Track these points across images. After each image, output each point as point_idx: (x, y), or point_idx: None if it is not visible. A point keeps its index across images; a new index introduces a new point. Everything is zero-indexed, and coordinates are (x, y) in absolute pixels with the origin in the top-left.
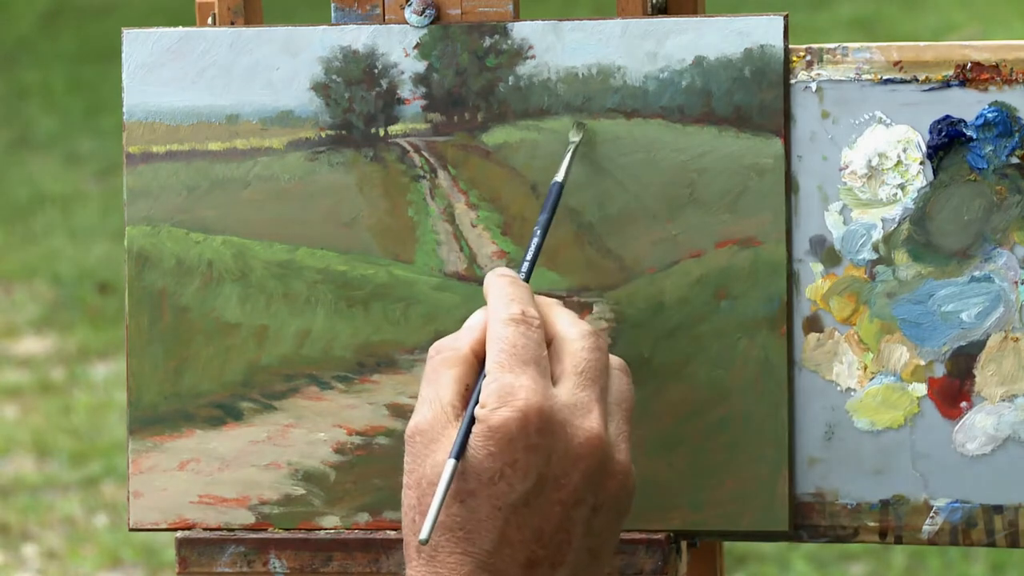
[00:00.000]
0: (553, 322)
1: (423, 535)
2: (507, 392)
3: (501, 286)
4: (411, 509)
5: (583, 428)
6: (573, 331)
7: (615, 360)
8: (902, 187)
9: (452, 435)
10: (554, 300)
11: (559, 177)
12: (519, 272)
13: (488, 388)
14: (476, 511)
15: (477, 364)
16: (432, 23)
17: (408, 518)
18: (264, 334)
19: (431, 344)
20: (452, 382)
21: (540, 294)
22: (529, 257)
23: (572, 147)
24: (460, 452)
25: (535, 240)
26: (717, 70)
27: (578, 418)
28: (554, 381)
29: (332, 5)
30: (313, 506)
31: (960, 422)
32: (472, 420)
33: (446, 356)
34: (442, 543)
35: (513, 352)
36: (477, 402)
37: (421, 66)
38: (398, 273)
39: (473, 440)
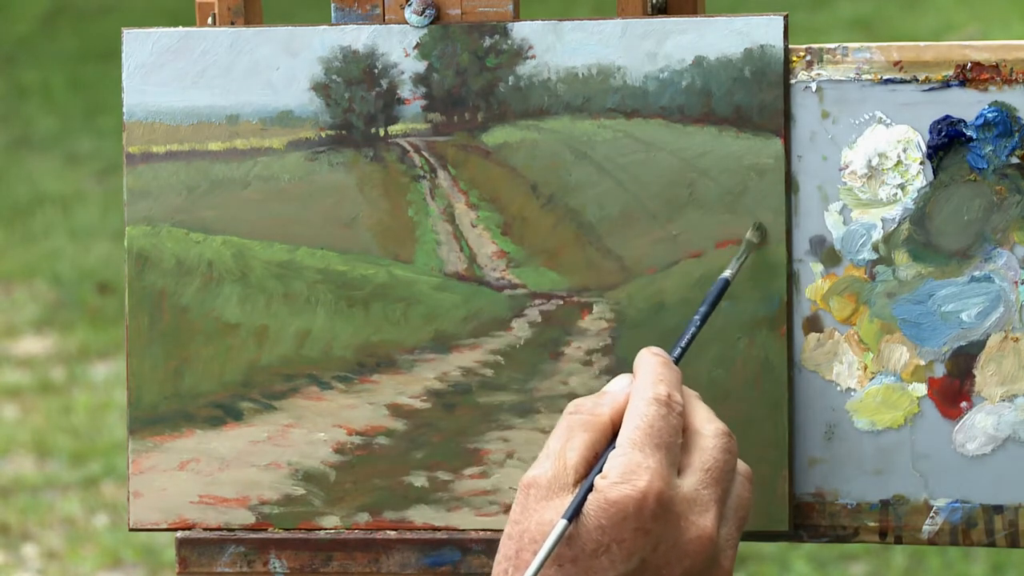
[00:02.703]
0: (691, 414)
1: None
2: (632, 470)
3: (653, 364)
4: (506, 560)
5: (697, 525)
6: (709, 428)
7: (742, 466)
8: (902, 187)
9: (567, 500)
10: (695, 393)
11: (727, 274)
12: (672, 354)
13: (615, 461)
14: None
15: (611, 433)
16: (432, 23)
17: (500, 567)
18: (264, 334)
19: (431, 344)
20: (582, 446)
21: (542, 295)
22: (683, 343)
23: (747, 246)
24: (574, 515)
25: (692, 329)
26: (717, 70)
27: (695, 514)
28: (680, 472)
29: (332, 5)
30: (313, 506)
31: (960, 422)
32: (591, 487)
33: (584, 419)
34: None
35: (649, 432)
36: (600, 470)
37: (421, 66)
38: (398, 273)
39: (587, 508)
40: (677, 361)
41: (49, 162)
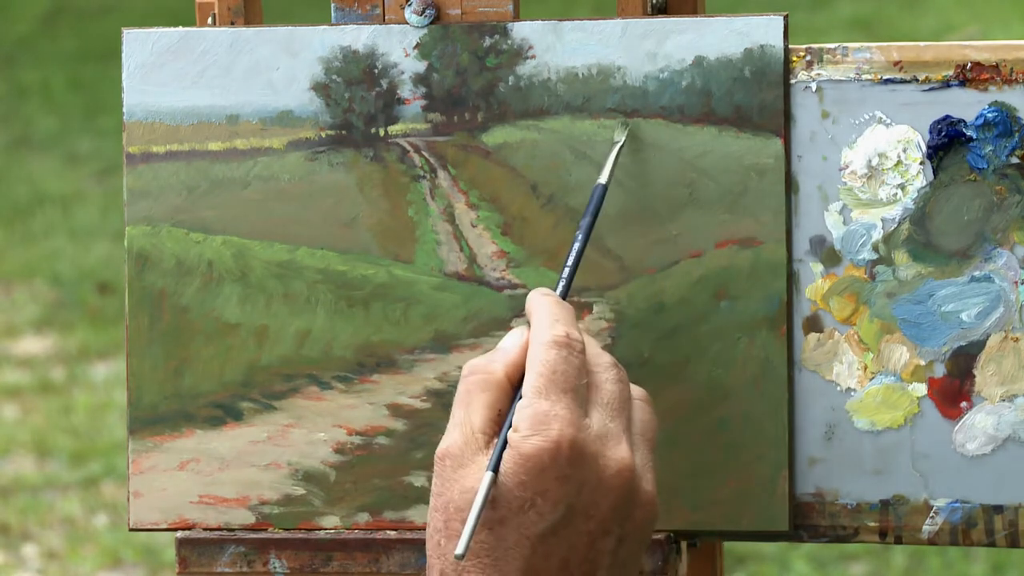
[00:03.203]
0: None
1: (460, 549)
2: (542, 420)
3: (545, 305)
4: (437, 532)
5: (614, 459)
6: (600, 362)
7: (636, 391)
8: (902, 187)
9: (482, 463)
10: (584, 327)
11: (603, 179)
12: (557, 284)
13: (523, 413)
14: (504, 539)
15: (511, 388)
16: (432, 23)
17: (433, 541)
18: (264, 334)
19: (431, 344)
20: (483, 407)
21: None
22: (570, 264)
23: (616, 147)
24: (495, 467)
25: (576, 246)
26: (717, 70)
27: (609, 449)
28: (585, 412)
29: (332, 5)
30: (313, 506)
31: (960, 422)
32: (506, 442)
33: (479, 379)
34: (468, 568)
35: (552, 378)
36: (511, 425)
37: (421, 66)
38: (398, 273)
39: (504, 466)
40: (567, 288)
41: (49, 162)
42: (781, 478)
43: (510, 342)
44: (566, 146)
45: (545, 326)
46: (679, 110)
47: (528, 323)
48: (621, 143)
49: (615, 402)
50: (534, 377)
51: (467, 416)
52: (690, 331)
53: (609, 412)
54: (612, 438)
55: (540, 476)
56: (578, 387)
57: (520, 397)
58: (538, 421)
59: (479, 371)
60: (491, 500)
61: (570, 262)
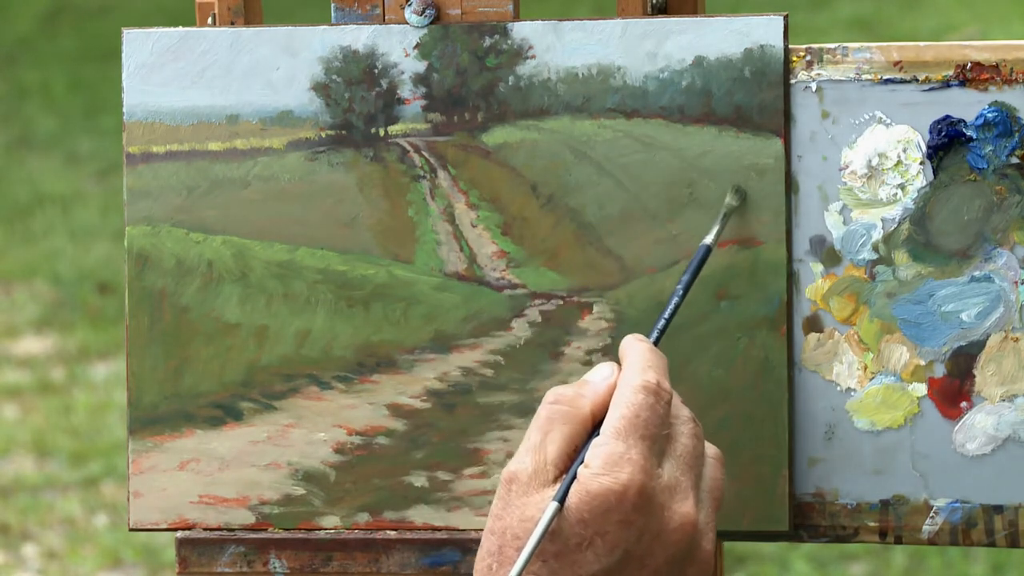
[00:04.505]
0: None
1: (513, 575)
2: (615, 461)
3: (640, 350)
4: (489, 555)
5: (679, 512)
6: (678, 415)
7: (711, 449)
8: (902, 187)
9: (547, 495)
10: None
11: (708, 240)
12: (655, 328)
13: (597, 451)
14: (556, 573)
15: (591, 425)
16: (432, 23)
17: (484, 563)
18: (264, 334)
19: (431, 344)
20: (561, 439)
21: (542, 295)
22: (667, 315)
23: (725, 210)
24: (562, 499)
25: (675, 300)
26: (717, 70)
27: (675, 502)
28: (658, 461)
29: (332, 5)
30: (313, 506)
31: (960, 422)
32: (575, 477)
33: (563, 410)
34: None
35: (634, 422)
36: (583, 461)
37: (421, 66)
38: (398, 273)
39: (569, 500)
40: (660, 336)
41: (49, 162)
42: (781, 478)
43: (599, 377)
44: (566, 146)
45: (637, 370)
46: (679, 110)
47: (619, 363)
48: (734, 207)
49: (689, 456)
50: (616, 418)
51: (543, 445)
52: (690, 331)
53: (681, 465)
54: (680, 491)
55: (603, 516)
56: (657, 436)
57: (597, 434)
58: (611, 461)
59: (564, 402)
60: (551, 533)
61: (667, 314)
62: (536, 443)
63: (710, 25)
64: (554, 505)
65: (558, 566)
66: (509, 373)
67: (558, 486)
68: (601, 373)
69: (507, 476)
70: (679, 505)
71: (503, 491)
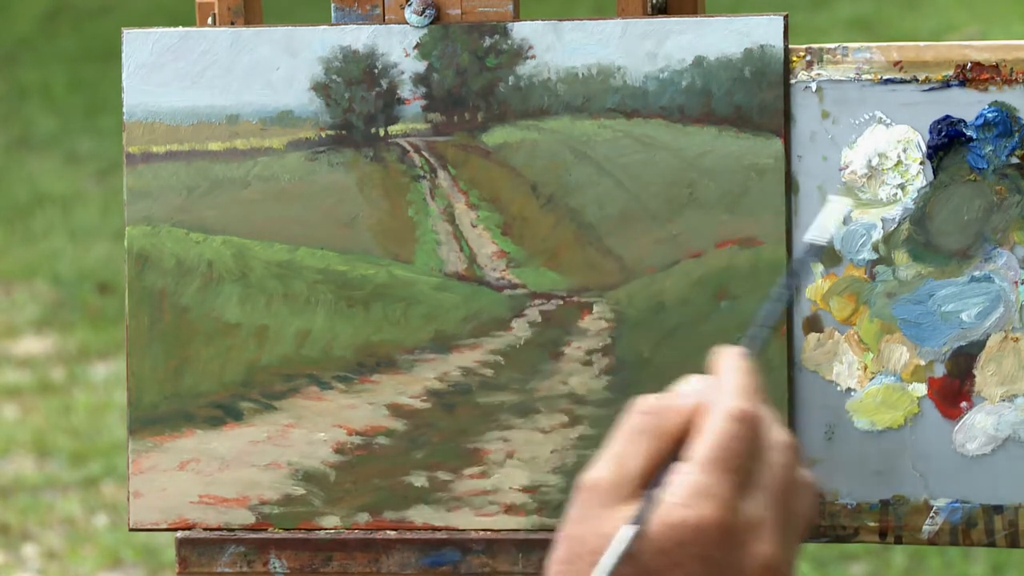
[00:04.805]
0: None
1: None
2: (699, 493)
3: (734, 372)
4: (559, 563)
5: (759, 555)
6: (774, 440)
7: (804, 473)
8: (902, 187)
9: (625, 512)
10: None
11: (820, 239)
12: (746, 341)
13: (682, 479)
14: None
15: (675, 443)
16: (432, 23)
17: (554, 568)
18: (264, 334)
19: (431, 344)
20: (646, 455)
21: (542, 295)
22: (762, 321)
23: (837, 209)
24: (640, 522)
25: (773, 304)
26: (717, 70)
27: (758, 542)
28: (746, 492)
29: (332, 5)
30: (313, 506)
31: (960, 422)
32: (654, 501)
33: (651, 423)
34: None
35: (725, 454)
36: (663, 482)
37: (421, 66)
38: (398, 273)
39: (648, 526)
40: (757, 348)
41: (49, 162)
42: None
43: (689, 392)
44: (566, 146)
45: (730, 393)
46: (679, 110)
47: (710, 376)
48: (850, 208)
49: (780, 487)
50: (705, 447)
51: (626, 458)
52: (690, 331)
53: (770, 498)
54: (764, 530)
55: (681, 548)
56: (744, 468)
57: (681, 455)
58: (695, 493)
59: (654, 414)
60: (626, 555)
61: (764, 320)
62: (620, 454)
63: (710, 25)
64: (632, 530)
65: None
66: (509, 373)
67: (637, 505)
68: (692, 387)
69: (587, 483)
70: (760, 546)
71: (580, 499)
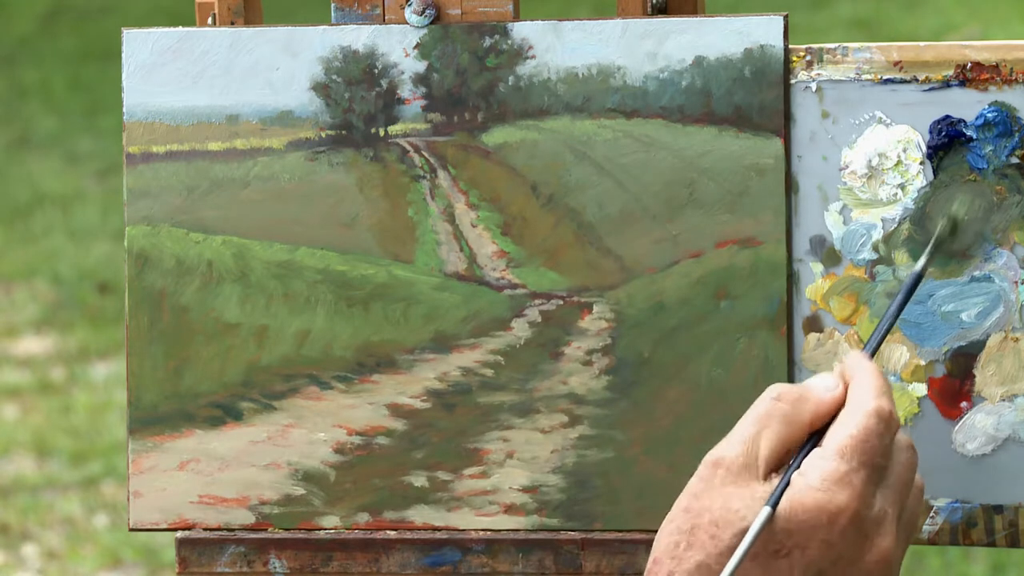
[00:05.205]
0: None
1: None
2: (835, 480)
3: (874, 373)
4: (679, 532)
5: (880, 547)
6: (899, 440)
7: (918, 479)
8: (902, 187)
9: (754, 490)
10: None
11: (918, 267)
12: (868, 347)
13: (819, 464)
14: (747, 573)
15: (806, 433)
16: (432, 23)
17: (671, 539)
18: (264, 334)
19: (431, 344)
20: (777, 440)
21: (542, 295)
22: (882, 331)
23: (940, 239)
24: (774, 504)
25: (885, 325)
26: (717, 70)
27: (879, 535)
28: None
29: (332, 5)
30: (313, 506)
31: (960, 422)
32: (788, 483)
33: (784, 410)
34: None
35: (864, 447)
36: (798, 466)
37: (421, 66)
38: (398, 273)
39: (780, 506)
40: (874, 352)
41: (49, 162)
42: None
43: (823, 387)
44: (566, 146)
45: (873, 395)
46: (679, 110)
47: (842, 377)
48: (945, 238)
49: (900, 486)
50: (844, 436)
51: (757, 438)
52: (690, 331)
53: (893, 496)
54: (886, 524)
55: (809, 532)
56: (879, 465)
57: (814, 444)
58: (832, 480)
59: (787, 401)
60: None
61: (883, 330)
62: (751, 435)
63: (710, 25)
64: (767, 511)
65: (751, 566)
66: (509, 373)
67: (767, 486)
68: (825, 383)
69: (714, 459)
70: (882, 539)
71: (706, 473)
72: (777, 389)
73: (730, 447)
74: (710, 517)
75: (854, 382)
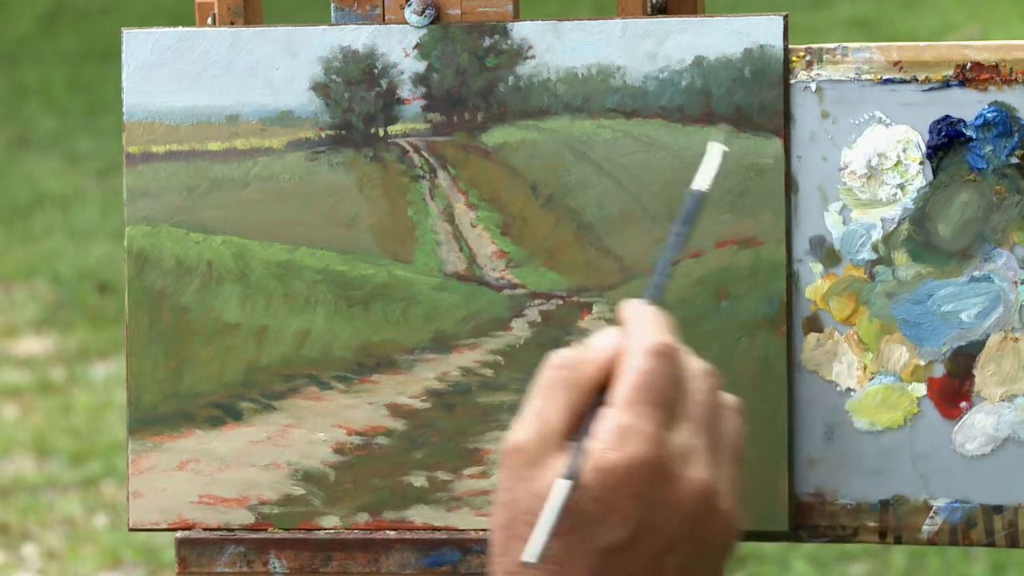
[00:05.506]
0: None
1: (532, 557)
2: (624, 434)
3: (643, 313)
4: (500, 529)
5: (692, 480)
6: (693, 369)
7: (729, 399)
8: (902, 187)
9: (555, 465)
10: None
11: (704, 186)
12: (649, 292)
13: (605, 424)
14: (571, 548)
15: (594, 393)
16: (432, 23)
17: (497, 536)
18: (264, 334)
19: (431, 344)
20: (565, 407)
21: (541, 295)
22: (664, 273)
23: (721, 152)
24: (572, 476)
25: (669, 253)
26: (717, 70)
27: (689, 468)
28: (671, 425)
29: (332, 5)
30: (313, 506)
31: (960, 422)
32: (583, 451)
33: (566, 376)
34: (533, 574)
35: (647, 390)
36: (591, 433)
37: (421, 66)
38: (398, 273)
39: (580, 477)
40: (660, 295)
41: (49, 162)
42: (781, 478)
43: (602, 343)
44: (566, 146)
45: (643, 333)
46: (679, 110)
47: (621, 329)
48: (727, 151)
49: (704, 414)
50: (625, 387)
51: (546, 413)
52: (690, 331)
53: (696, 426)
54: (694, 456)
55: (615, 491)
56: (668, 400)
57: (603, 403)
58: (620, 435)
59: (567, 367)
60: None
61: (664, 272)
62: (539, 411)
63: (710, 25)
64: (566, 484)
65: (571, 541)
66: (509, 373)
67: (566, 458)
68: (604, 339)
69: (511, 447)
70: (693, 471)
71: (508, 462)
72: (557, 357)
73: (523, 429)
74: (523, 506)
75: (628, 328)
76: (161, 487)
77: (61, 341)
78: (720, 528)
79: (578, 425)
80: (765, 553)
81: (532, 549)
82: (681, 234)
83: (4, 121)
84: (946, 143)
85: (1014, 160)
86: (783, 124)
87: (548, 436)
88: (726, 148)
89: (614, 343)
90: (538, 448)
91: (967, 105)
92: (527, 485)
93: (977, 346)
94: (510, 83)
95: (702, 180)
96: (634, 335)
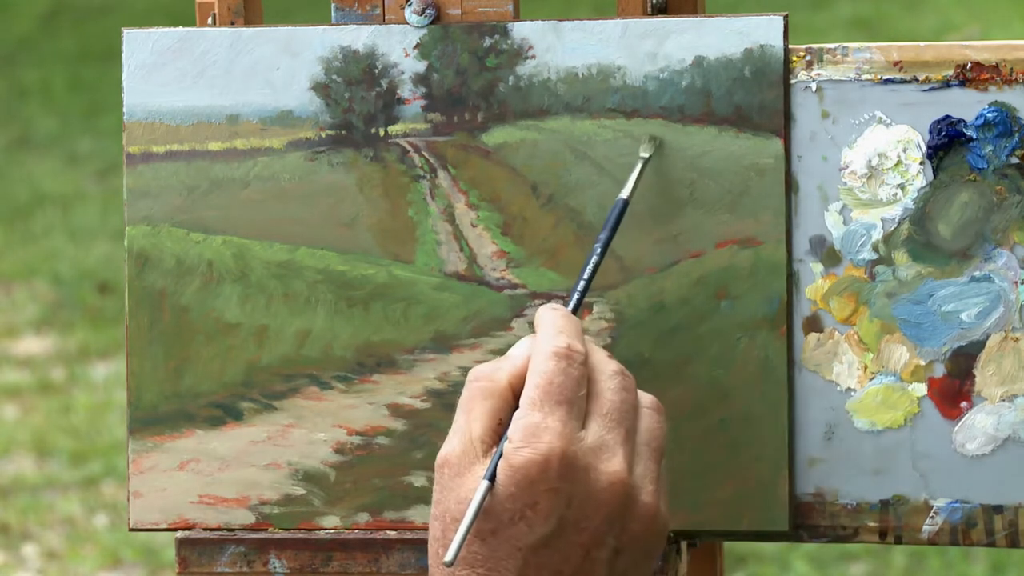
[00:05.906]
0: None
1: (448, 557)
2: (532, 432)
3: (551, 317)
4: (435, 541)
5: (606, 472)
6: (604, 369)
7: (646, 398)
8: (902, 187)
9: (478, 472)
10: (590, 339)
11: (624, 193)
12: (572, 297)
13: (516, 424)
14: (496, 549)
15: (512, 398)
16: (432, 23)
17: (432, 550)
18: (264, 334)
19: (431, 344)
20: (485, 415)
21: (542, 295)
22: (585, 278)
23: (642, 162)
24: (492, 476)
25: (593, 260)
26: (717, 70)
27: (602, 462)
28: (582, 423)
29: (332, 5)
30: (313, 506)
31: (960, 422)
32: (502, 453)
33: (483, 386)
34: None
35: (548, 389)
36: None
37: (421, 66)
38: (398, 273)
39: (497, 477)
40: (579, 304)
41: (49, 162)
42: (781, 478)
43: (517, 351)
44: (566, 146)
45: (547, 337)
46: (679, 110)
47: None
48: (647, 158)
49: (615, 412)
50: (531, 388)
51: (468, 424)
52: (690, 331)
53: (607, 423)
54: (607, 450)
55: (529, 488)
56: (575, 398)
57: (517, 407)
58: (529, 433)
59: (483, 378)
60: (484, 511)
61: (585, 275)
62: (462, 424)
63: (710, 25)
64: (484, 484)
65: (496, 543)
66: None
67: (487, 462)
68: (519, 347)
69: (439, 462)
70: (606, 464)
71: (438, 476)
72: (474, 371)
73: (449, 443)
74: (451, 516)
75: (537, 332)
76: (161, 487)
77: (61, 341)
78: (644, 523)
79: (501, 432)
80: (765, 553)
81: (451, 549)
82: (600, 240)
83: (4, 121)
84: (946, 143)
85: (1014, 160)
86: (783, 124)
87: (470, 445)
88: (645, 155)
89: (528, 349)
90: (462, 458)
91: (967, 105)
92: (454, 494)
93: (977, 346)
94: (510, 83)
95: (626, 188)
96: (539, 339)
